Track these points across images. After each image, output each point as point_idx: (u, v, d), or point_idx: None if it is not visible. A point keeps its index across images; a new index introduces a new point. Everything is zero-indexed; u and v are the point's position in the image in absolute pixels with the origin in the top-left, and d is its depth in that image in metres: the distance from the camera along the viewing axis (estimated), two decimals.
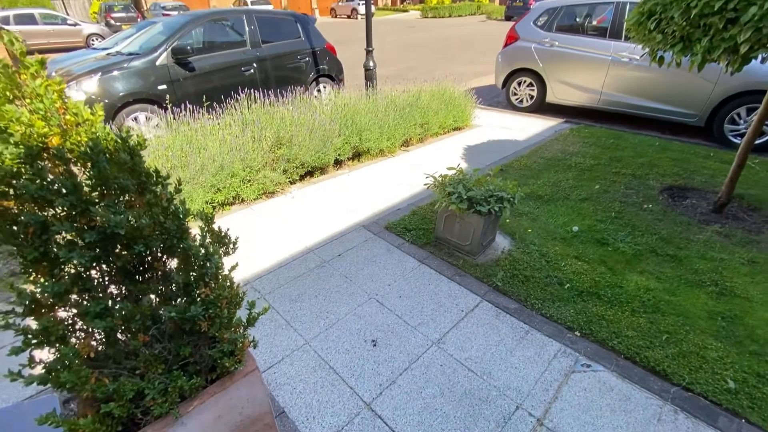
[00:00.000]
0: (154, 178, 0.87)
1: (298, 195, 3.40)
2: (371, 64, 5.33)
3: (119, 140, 0.80)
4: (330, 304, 2.14)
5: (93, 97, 4.20)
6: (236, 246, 1.06)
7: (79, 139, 0.73)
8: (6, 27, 13.59)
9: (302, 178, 3.65)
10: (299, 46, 5.80)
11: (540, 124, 5.46)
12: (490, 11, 27.12)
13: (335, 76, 6.35)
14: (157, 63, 4.54)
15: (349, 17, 31.02)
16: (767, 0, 1.90)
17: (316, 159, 3.55)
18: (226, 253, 1.01)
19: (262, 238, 2.77)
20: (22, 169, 0.67)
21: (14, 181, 0.65)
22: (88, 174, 0.72)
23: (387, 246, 2.65)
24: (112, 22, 19.09)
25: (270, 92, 5.32)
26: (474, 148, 4.55)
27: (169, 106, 4.41)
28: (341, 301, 2.17)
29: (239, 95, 4.87)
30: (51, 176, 0.69)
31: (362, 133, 3.98)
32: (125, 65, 4.41)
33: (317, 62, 5.98)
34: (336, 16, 32.68)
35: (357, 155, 4.18)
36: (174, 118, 3.53)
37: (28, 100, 0.69)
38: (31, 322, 0.72)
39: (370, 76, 5.36)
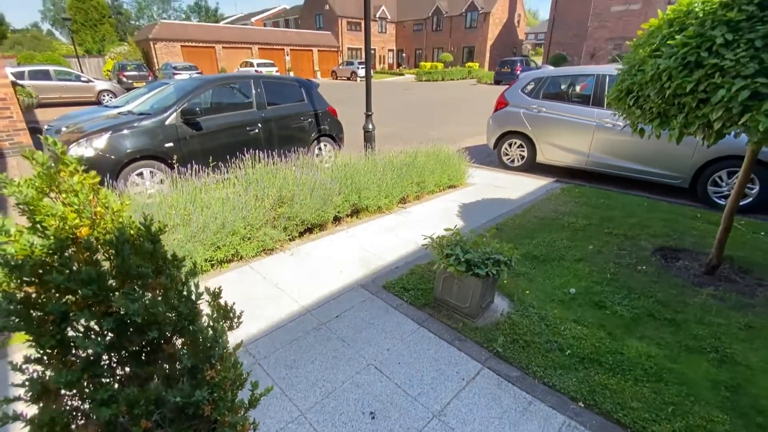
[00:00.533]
0: (172, 262, 0.90)
1: (297, 252, 3.42)
2: (370, 126, 5.62)
3: (143, 228, 0.84)
4: (327, 371, 2.08)
5: (101, 153, 4.35)
6: (241, 320, 1.07)
7: (105, 226, 0.78)
8: (21, 82, 14.30)
9: (301, 234, 3.70)
10: (303, 108, 6.15)
11: (532, 183, 5.67)
12: (480, 76, 29.12)
13: (336, 135, 6.66)
14: (167, 123, 4.76)
15: (348, 79, 33.06)
16: (734, 83, 2.10)
17: (316, 216, 3.62)
18: (230, 328, 1.02)
19: (259, 297, 2.74)
20: (50, 259, 0.71)
21: (42, 272, 0.69)
22: (111, 261, 0.76)
23: (385, 307, 2.64)
24: (124, 79, 20.17)
25: (274, 151, 5.58)
26: (469, 206, 4.68)
27: (175, 165, 4.59)
28: (338, 367, 2.11)
29: (244, 154, 5.09)
30: (77, 265, 0.72)
31: (361, 192, 4.10)
32: (135, 124, 4.62)
33: (319, 123, 6.30)
34: (337, 78, 34.81)
35: (356, 212, 4.27)
36: (179, 177, 3.64)
37: (63, 195, 0.74)
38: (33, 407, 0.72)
39: (369, 137, 5.63)
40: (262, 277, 2.99)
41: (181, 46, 28.84)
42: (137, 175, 4.59)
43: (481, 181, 5.75)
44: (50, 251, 0.70)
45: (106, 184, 3.61)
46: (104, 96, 16.29)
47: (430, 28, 40.90)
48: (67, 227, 0.72)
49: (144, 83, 20.45)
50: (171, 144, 4.77)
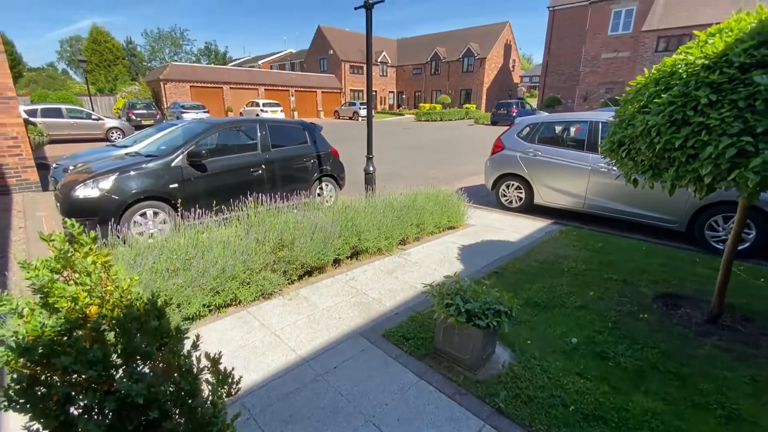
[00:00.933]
0: (175, 336, 0.91)
1: (296, 296, 3.40)
2: (371, 168, 5.76)
3: (149, 304, 0.87)
4: (324, 427, 2.02)
5: (106, 194, 4.42)
6: (239, 387, 1.06)
7: (113, 302, 0.80)
8: (33, 119, 14.76)
9: (300, 278, 3.69)
10: (306, 150, 6.32)
11: (530, 224, 5.72)
12: (478, 117, 30.09)
13: (337, 176, 6.81)
14: (173, 164, 4.88)
15: (350, 119, 34.14)
16: (721, 141, 2.19)
17: (316, 260, 3.64)
18: (229, 395, 1.01)
19: (256, 345, 2.70)
20: (59, 339, 0.73)
21: (50, 353, 0.70)
22: (117, 337, 0.77)
23: (384, 357, 2.59)
24: (134, 117, 20.82)
25: (276, 192, 5.68)
26: (468, 249, 4.69)
27: (179, 208, 4.66)
28: (336, 423, 2.05)
29: (247, 194, 5.18)
30: (84, 344, 0.74)
31: (361, 234, 4.13)
32: (142, 166, 4.73)
33: (321, 164, 6.46)
34: (339, 118, 35.96)
35: (355, 254, 4.28)
36: (182, 220, 3.69)
37: (77, 275, 0.77)
38: None
39: (369, 179, 5.75)
40: (260, 323, 2.95)
41: (190, 86, 30.02)
42: (140, 215, 4.64)
43: (480, 222, 5.81)
44: (60, 332, 0.72)
45: (109, 226, 3.64)
46: (113, 133, 16.75)
47: (428, 72, 42.78)
48: (77, 307, 0.74)
49: (152, 121, 21.11)
50: (176, 185, 4.86)
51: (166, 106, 27.22)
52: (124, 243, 3.46)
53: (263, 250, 3.32)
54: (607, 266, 4.10)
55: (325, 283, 3.67)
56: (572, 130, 6.37)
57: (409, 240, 4.87)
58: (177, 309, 2.72)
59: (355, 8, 5.27)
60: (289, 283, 3.54)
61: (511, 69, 42.40)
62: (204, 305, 2.92)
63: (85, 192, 4.38)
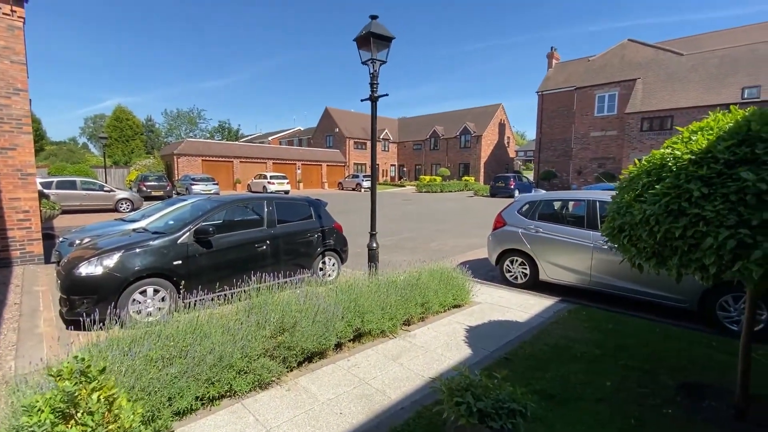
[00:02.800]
0: None
1: (295, 386, 3.21)
2: (374, 244, 5.81)
3: None
4: None
5: (109, 272, 4.42)
6: None
7: None
8: (47, 191, 15.30)
9: (300, 364, 3.51)
10: (310, 225, 6.45)
11: (537, 302, 5.59)
12: (477, 189, 31.09)
13: (340, 249, 6.85)
14: (179, 241, 4.94)
15: (354, 189, 35.31)
16: (720, 233, 2.23)
17: (317, 344, 3.50)
18: None
19: None
20: None
21: None
22: None
23: None
24: (144, 189, 21.60)
25: (280, 267, 5.67)
26: (475, 330, 4.53)
27: (181, 285, 4.63)
28: None
29: (250, 270, 5.16)
30: None
31: (365, 315, 4.03)
32: (148, 243, 4.79)
33: (325, 238, 6.53)
34: (343, 189, 37.23)
35: (358, 336, 4.13)
36: (182, 299, 3.63)
37: (79, 414, 0.75)
38: None
39: (372, 256, 5.76)
40: (255, 419, 2.75)
41: (202, 160, 31.60)
42: (140, 292, 4.59)
43: (485, 300, 5.68)
44: None
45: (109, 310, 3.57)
46: (122, 204, 17.23)
47: (428, 147, 45.26)
48: None
49: (162, 192, 21.85)
50: (179, 261, 4.88)
51: (177, 178, 28.39)
52: (122, 326, 3.37)
53: (263, 335, 3.21)
54: (621, 351, 3.91)
55: (325, 370, 3.48)
56: (571, 207, 6.54)
57: (414, 320, 4.73)
58: (168, 403, 2.56)
59: (362, 100, 5.75)
60: (288, 371, 3.36)
61: (506, 145, 44.84)
62: (197, 397, 2.74)
63: (88, 269, 4.38)
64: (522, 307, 5.39)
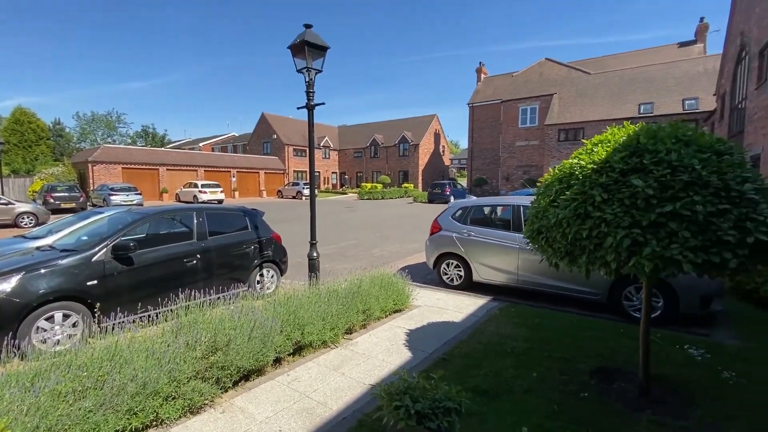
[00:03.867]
0: None
1: (230, 408, 3.04)
2: (314, 254, 5.73)
3: None
4: None
5: (5, 297, 3.85)
6: None
7: None
8: None
9: (236, 384, 3.34)
10: (246, 236, 6.18)
11: (471, 302, 5.89)
12: (416, 195, 32.04)
13: (279, 261, 6.64)
14: (94, 259, 4.46)
15: (294, 198, 34.45)
16: (618, 233, 2.56)
17: (254, 361, 3.35)
18: None
19: None
20: None
21: None
22: None
23: None
24: (52, 201, 19.14)
25: (213, 283, 5.35)
26: (415, 333, 4.66)
27: (96, 309, 4.16)
28: None
29: (179, 288, 4.79)
30: None
31: (305, 327, 3.95)
32: (56, 262, 4.26)
33: (262, 250, 6.30)
34: (282, 197, 36.10)
35: (299, 349, 4.03)
36: (98, 324, 3.28)
37: None
38: None
39: (313, 266, 5.68)
40: None
41: (123, 168, 28.78)
42: (46, 319, 4.05)
43: (425, 303, 5.86)
44: None
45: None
46: (23, 219, 15.09)
47: (369, 155, 45.76)
48: None
49: (74, 204, 19.48)
50: (94, 281, 4.40)
51: (92, 188, 25.51)
52: (22, 358, 2.95)
53: (193, 356, 3.01)
54: (546, 344, 4.27)
55: (263, 388, 3.35)
56: (499, 211, 7.02)
57: (356, 328, 4.73)
58: None
59: (298, 108, 5.67)
60: (222, 392, 3.18)
61: (442, 153, 46.87)
62: (116, 431, 2.48)
63: None
64: (458, 307, 5.65)
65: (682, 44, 31.42)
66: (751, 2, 10.09)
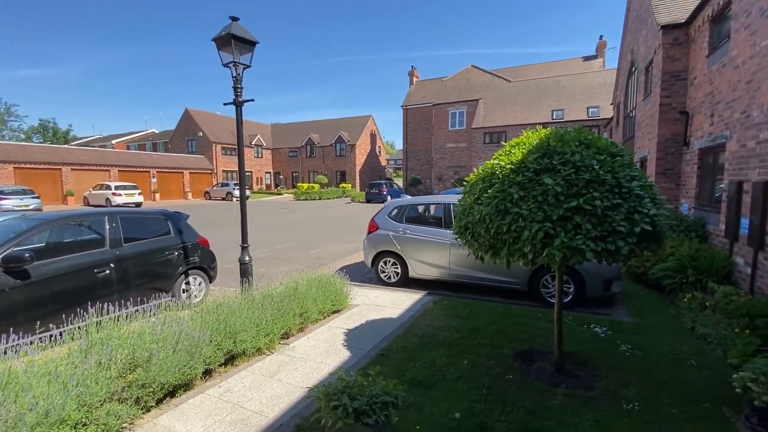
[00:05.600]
0: None
1: (153, 429, 2.80)
2: (246, 258, 5.49)
3: None
4: None
5: None
6: None
7: None
8: None
9: (160, 402, 3.08)
10: (168, 242, 5.71)
11: (408, 298, 6.07)
12: (354, 195, 32.13)
13: (207, 266, 6.23)
14: None
15: (224, 199, 32.51)
16: (532, 227, 2.82)
17: (180, 376, 3.12)
18: None
19: None
20: None
21: None
22: None
23: None
24: None
25: (130, 295, 4.86)
26: (354, 332, 4.69)
27: None
28: None
29: (89, 303, 4.27)
30: None
31: (237, 335, 3.76)
32: None
33: (187, 256, 5.87)
34: (210, 199, 33.88)
35: (231, 359, 3.83)
36: None
37: None
38: None
39: (245, 270, 5.43)
40: None
41: (15, 167, 24.90)
42: None
43: (363, 302, 5.91)
44: None
45: None
46: None
47: (304, 154, 44.79)
48: None
49: None
50: None
51: None
52: None
53: (107, 376, 2.72)
54: (475, 332, 4.56)
55: (192, 403, 3.13)
56: (432, 209, 7.32)
57: (293, 332, 4.63)
58: None
59: (225, 104, 5.38)
60: (144, 412, 2.91)
61: (378, 154, 47.50)
62: None
63: None
64: (395, 304, 5.79)
65: (586, 58, 35.39)
66: (639, 24, 11.70)
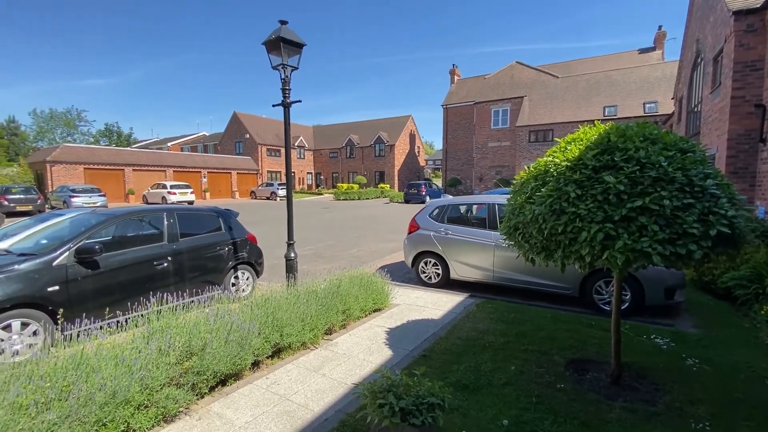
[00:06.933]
0: None
1: (207, 415, 2.93)
2: (292, 254, 5.63)
3: None
4: None
5: None
6: None
7: None
8: None
9: (212, 389, 3.23)
10: (219, 237, 5.99)
11: (449, 300, 5.95)
12: (392, 195, 32.18)
13: (255, 262, 6.48)
14: (55, 263, 4.20)
15: (268, 198, 33.79)
16: (591, 227, 2.64)
17: (232, 366, 3.25)
18: None
19: None
20: None
21: None
22: None
23: None
24: (5, 203, 17.95)
25: (185, 286, 5.16)
26: (395, 332, 4.66)
27: (59, 315, 3.92)
28: None
29: (149, 292, 4.59)
30: None
31: (284, 329, 3.87)
32: (11, 267, 3.98)
33: (237, 251, 6.13)
34: (256, 198, 35.34)
35: (277, 351, 3.94)
36: (63, 333, 3.09)
37: None
38: None
39: (291, 266, 5.58)
40: None
41: (85, 168, 27.36)
42: (3, 328, 3.78)
43: (404, 302, 5.88)
44: None
45: None
46: None
47: (344, 155, 45.53)
48: None
49: (30, 207, 18.34)
50: (56, 287, 4.14)
51: (50, 190, 24.09)
52: None
53: (167, 362, 2.88)
54: (522, 337, 4.37)
55: (242, 392, 3.25)
56: (475, 210, 7.14)
57: (335, 328, 4.68)
58: None
59: (273, 106, 5.57)
60: (198, 398, 3.06)
61: (417, 154, 47.27)
62: None
63: None
64: (436, 305, 5.70)
65: (642, 50, 33.09)
66: (706, 12, 10.75)
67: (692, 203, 2.54)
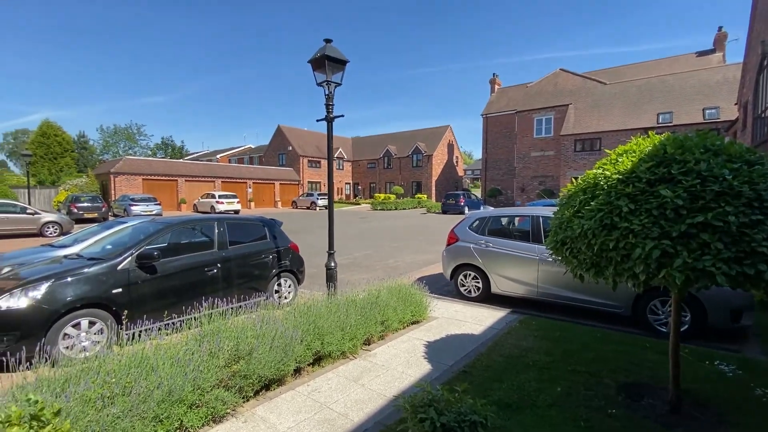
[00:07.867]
0: None
1: (252, 418, 3.04)
2: (332, 264, 5.75)
3: None
4: None
5: (35, 305, 3.97)
6: None
7: None
8: None
9: (257, 393, 3.35)
10: (265, 246, 6.25)
11: (490, 315, 5.80)
12: (429, 206, 31.96)
13: (297, 270, 6.69)
14: (119, 267, 4.58)
15: (308, 208, 34.78)
16: (646, 244, 2.50)
17: (275, 371, 3.36)
18: None
19: None
20: None
21: None
22: None
23: None
24: (76, 211, 19.74)
25: (232, 291, 5.42)
26: (435, 345, 4.61)
27: (123, 316, 4.25)
28: None
29: (200, 296, 4.88)
30: None
31: (324, 337, 3.95)
32: (82, 270, 4.38)
33: (280, 259, 6.36)
34: (297, 207, 36.52)
35: (318, 359, 4.03)
36: (125, 332, 3.35)
37: None
38: None
39: (331, 275, 5.70)
40: None
41: (143, 179, 29.60)
42: (72, 326, 4.16)
43: (442, 315, 5.80)
44: None
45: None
46: (48, 228, 15.59)
47: (382, 166, 46.00)
48: None
49: (96, 214, 20.08)
50: (119, 290, 4.51)
51: (113, 199, 26.27)
52: (53, 364, 3.03)
53: (216, 365, 3.04)
54: (568, 357, 4.17)
55: (284, 397, 3.35)
56: (517, 222, 6.95)
57: (374, 339, 4.71)
58: None
59: (317, 120, 5.78)
60: (244, 401, 3.19)
61: (455, 164, 46.79)
62: None
63: (9, 302, 3.91)
64: (476, 319, 5.57)
65: (701, 53, 30.94)
66: None
67: (762, 219, 2.34)
